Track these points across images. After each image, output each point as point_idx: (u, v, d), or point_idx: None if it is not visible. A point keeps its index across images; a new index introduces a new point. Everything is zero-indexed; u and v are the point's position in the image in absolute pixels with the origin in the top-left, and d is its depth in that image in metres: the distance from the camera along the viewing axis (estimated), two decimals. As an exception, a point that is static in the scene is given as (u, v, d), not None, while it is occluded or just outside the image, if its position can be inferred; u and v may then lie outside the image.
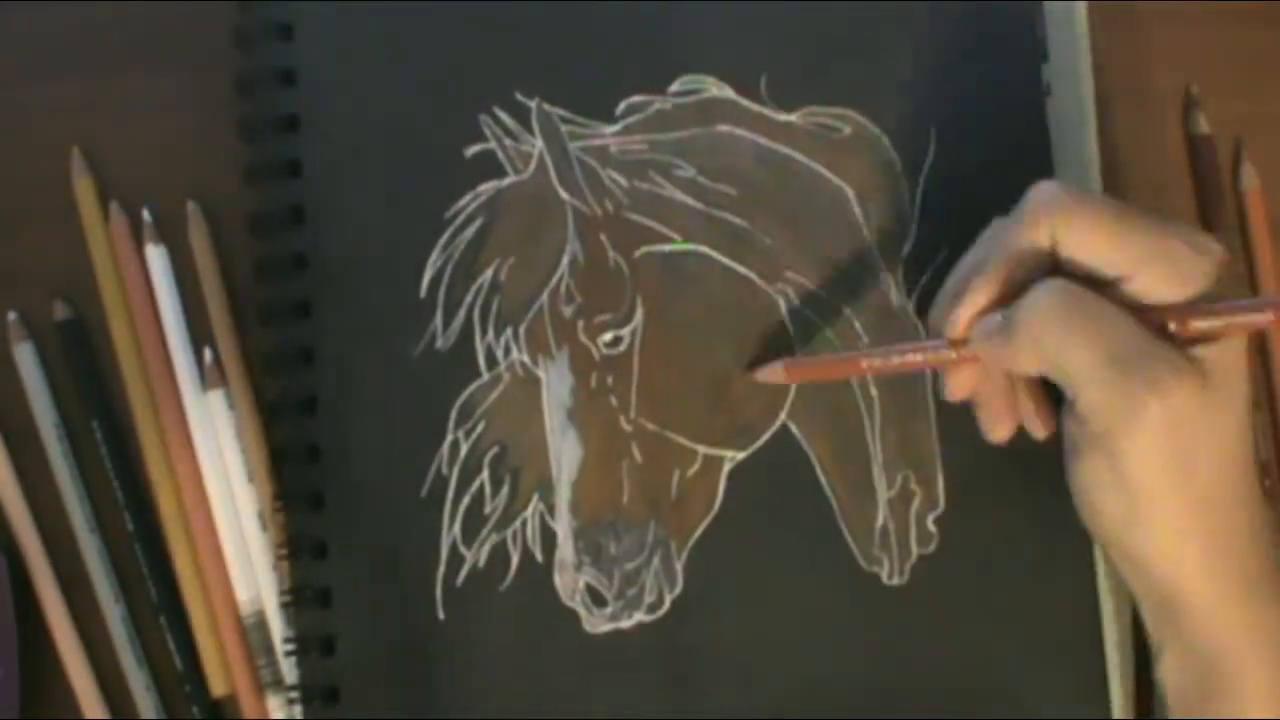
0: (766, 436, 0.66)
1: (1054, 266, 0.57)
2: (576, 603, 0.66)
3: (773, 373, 0.65)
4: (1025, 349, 0.57)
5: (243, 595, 0.68)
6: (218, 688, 0.68)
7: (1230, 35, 0.75)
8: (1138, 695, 0.66)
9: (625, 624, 0.65)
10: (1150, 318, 0.56)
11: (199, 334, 0.70)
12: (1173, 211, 0.73)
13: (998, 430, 0.62)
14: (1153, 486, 0.55)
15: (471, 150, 0.68)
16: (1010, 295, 0.58)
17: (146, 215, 0.70)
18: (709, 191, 0.67)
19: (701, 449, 0.66)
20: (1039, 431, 0.62)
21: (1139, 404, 0.54)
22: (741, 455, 0.66)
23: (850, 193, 0.68)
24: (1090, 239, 0.56)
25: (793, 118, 0.68)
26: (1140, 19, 0.74)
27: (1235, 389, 0.56)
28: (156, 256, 0.69)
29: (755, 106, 0.68)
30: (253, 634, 0.68)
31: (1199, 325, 0.55)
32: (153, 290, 0.70)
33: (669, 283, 0.67)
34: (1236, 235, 0.73)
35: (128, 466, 0.69)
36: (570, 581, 0.66)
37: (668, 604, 0.66)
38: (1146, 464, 0.55)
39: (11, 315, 0.70)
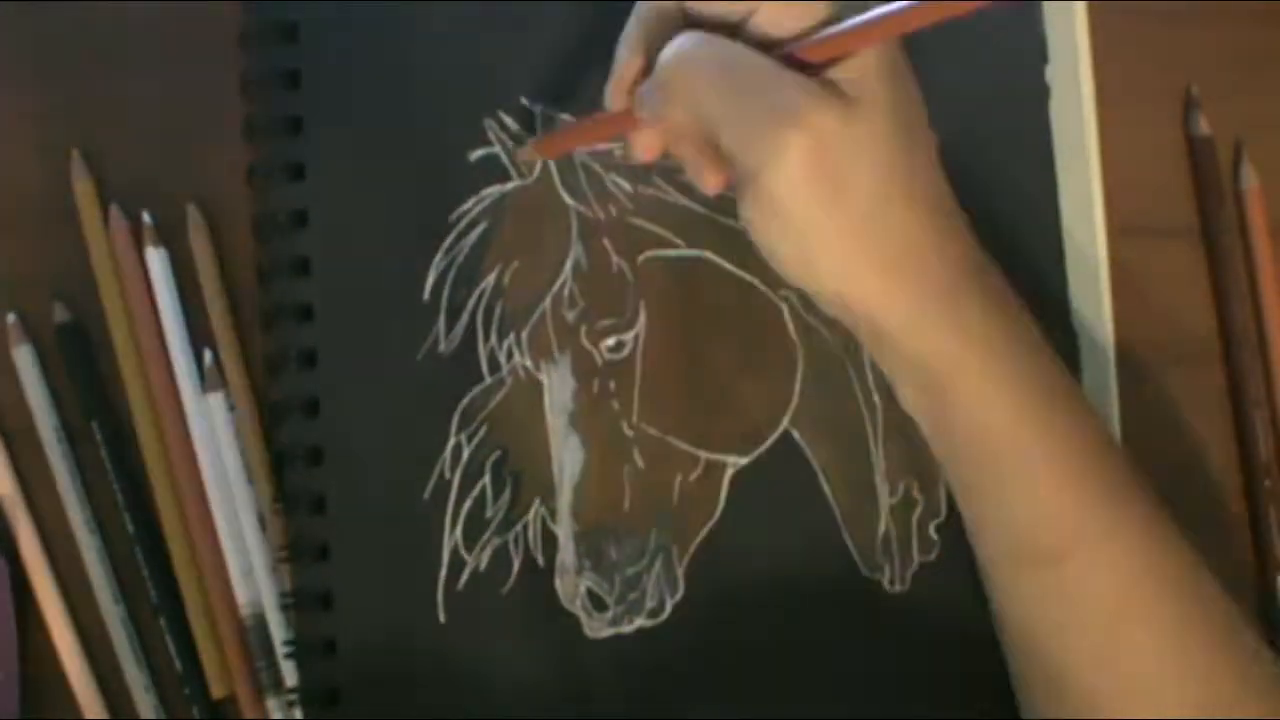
0: (769, 443, 0.67)
1: (690, 22, 0.57)
2: (577, 607, 0.66)
3: (525, 151, 0.66)
4: (670, 105, 0.56)
5: (242, 597, 0.68)
6: (217, 689, 0.68)
7: (1230, 35, 0.75)
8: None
9: (626, 629, 0.66)
10: (781, 52, 0.55)
11: (199, 336, 0.69)
12: (1173, 213, 0.74)
13: (707, 181, 0.59)
14: (811, 215, 0.55)
15: (476, 154, 0.68)
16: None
17: (146, 217, 0.69)
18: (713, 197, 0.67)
19: (704, 455, 0.66)
20: (709, 186, 0.60)
21: (779, 135, 0.53)
22: (744, 461, 0.66)
23: (854, 199, 0.67)
24: None
25: (798, 123, 0.68)
26: (1140, 19, 0.74)
27: (879, 101, 0.55)
28: (156, 258, 0.69)
29: (761, 112, 0.68)
30: (252, 635, 0.68)
31: (825, 49, 0.54)
32: (153, 292, 0.69)
33: (672, 288, 0.67)
34: (1236, 235, 0.73)
35: (128, 468, 0.69)
36: (571, 586, 0.66)
37: (669, 609, 0.66)
38: (799, 195, 0.54)
39: (11, 317, 0.69)
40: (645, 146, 0.60)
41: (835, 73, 0.55)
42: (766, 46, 0.55)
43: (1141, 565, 0.58)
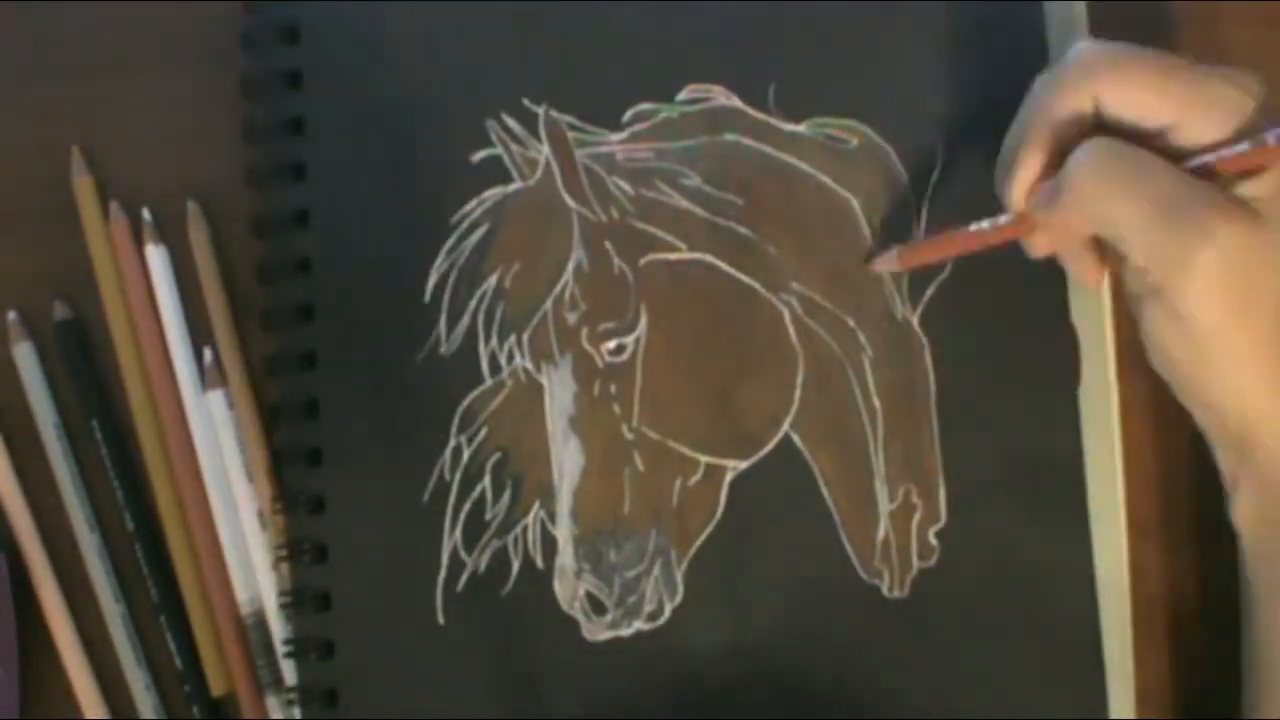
0: (769, 447, 0.66)
1: (1098, 125, 0.57)
2: (576, 610, 0.66)
3: (887, 261, 0.66)
4: (1074, 211, 0.57)
5: (242, 595, 0.69)
6: (217, 687, 0.69)
7: (1230, 35, 0.74)
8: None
9: (625, 632, 0.66)
10: (1192, 163, 0.55)
11: (199, 334, 0.70)
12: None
13: (1090, 279, 0.62)
14: (1216, 329, 0.55)
15: (478, 156, 0.67)
16: (1059, 160, 0.58)
17: (147, 215, 0.69)
18: (715, 200, 0.67)
19: (704, 458, 0.66)
20: (1091, 283, 0.62)
21: (1190, 251, 0.54)
22: (744, 465, 0.66)
23: (856, 204, 0.67)
24: (1132, 95, 0.56)
25: (800, 128, 0.68)
26: (1140, 19, 0.73)
27: None
28: (156, 256, 0.69)
29: (762, 116, 0.68)
30: (252, 634, 0.68)
31: (1243, 161, 0.55)
32: (153, 290, 0.69)
33: (673, 291, 0.67)
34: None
35: (128, 466, 0.69)
36: (570, 589, 0.66)
37: (668, 613, 0.66)
38: (1206, 308, 0.55)
39: (11, 315, 0.69)
40: (1039, 246, 0.62)
41: (1246, 189, 0.55)
42: (1177, 155, 0.55)
43: None
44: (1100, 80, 0.56)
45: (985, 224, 0.62)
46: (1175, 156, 0.56)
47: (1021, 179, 0.59)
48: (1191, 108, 0.55)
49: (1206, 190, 0.54)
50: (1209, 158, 0.55)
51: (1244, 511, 0.60)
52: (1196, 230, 0.54)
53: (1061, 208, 0.57)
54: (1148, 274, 0.56)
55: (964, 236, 0.63)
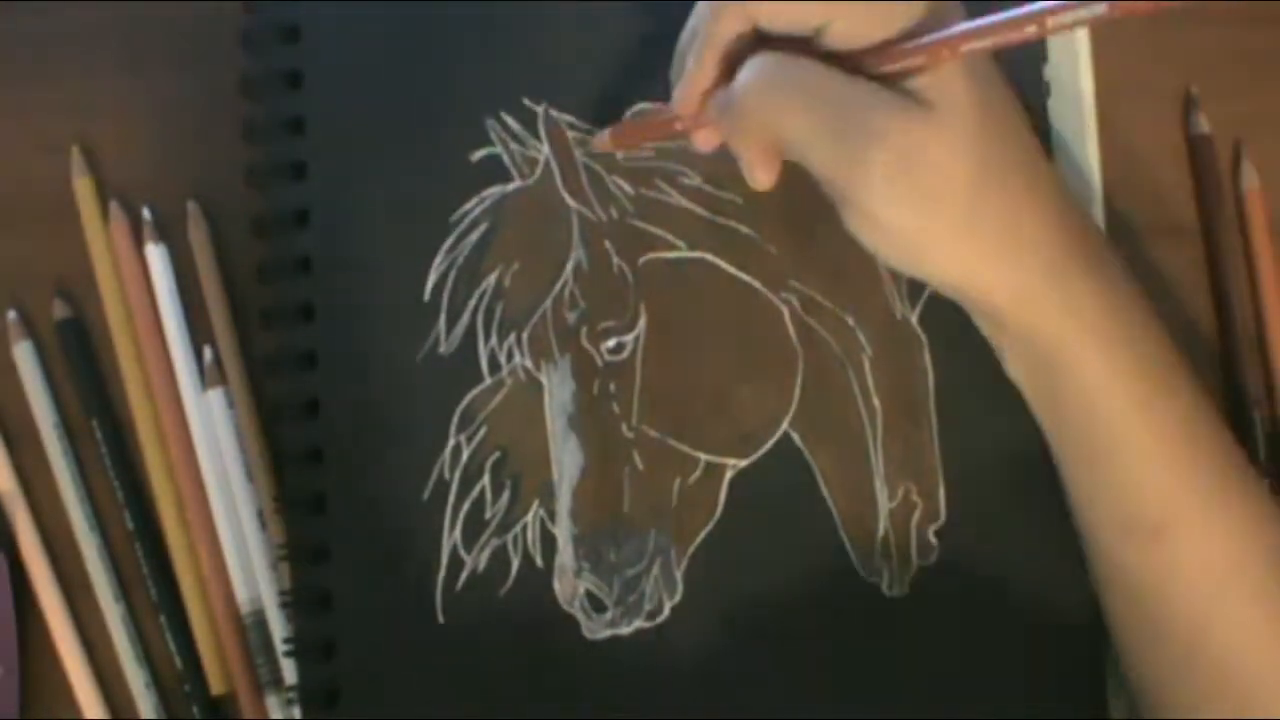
0: (769, 445, 0.66)
1: (761, 40, 0.57)
2: (576, 609, 0.66)
3: (600, 140, 0.66)
4: (750, 127, 0.57)
5: (242, 594, 0.69)
6: (217, 687, 0.69)
7: (1230, 35, 0.74)
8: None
9: (624, 631, 0.66)
10: (859, 64, 0.55)
11: (199, 333, 0.70)
12: (1173, 213, 0.74)
13: (759, 180, 0.60)
14: (908, 224, 0.56)
15: (478, 155, 0.67)
16: (729, 69, 0.58)
17: (146, 214, 0.70)
18: (715, 199, 0.67)
19: (703, 457, 0.66)
20: (760, 183, 0.60)
21: (865, 156, 0.54)
22: (743, 464, 0.66)
23: (855, 203, 0.67)
24: (779, 8, 0.56)
25: (799, 127, 0.68)
26: (1140, 19, 0.73)
27: (959, 103, 0.55)
28: (156, 255, 0.69)
29: (762, 115, 0.68)
30: (252, 633, 0.68)
31: (905, 63, 0.55)
32: (152, 289, 0.69)
33: (673, 290, 0.67)
34: (1236, 235, 0.73)
35: (128, 466, 0.69)
36: (570, 587, 0.66)
37: (667, 611, 0.66)
38: (896, 211, 0.55)
39: (11, 314, 0.70)
40: (707, 142, 0.62)
41: (909, 82, 0.55)
42: (840, 58, 0.56)
43: (1244, 543, 0.60)
44: (755, 7, 0.56)
45: (666, 114, 0.62)
46: (838, 58, 0.56)
47: (688, 92, 0.60)
48: (841, 10, 0.55)
49: (873, 94, 0.55)
50: (894, 66, 0.55)
51: (1015, 366, 0.62)
52: (865, 134, 0.54)
53: (738, 124, 0.58)
54: (829, 184, 0.57)
55: (654, 124, 0.65)
